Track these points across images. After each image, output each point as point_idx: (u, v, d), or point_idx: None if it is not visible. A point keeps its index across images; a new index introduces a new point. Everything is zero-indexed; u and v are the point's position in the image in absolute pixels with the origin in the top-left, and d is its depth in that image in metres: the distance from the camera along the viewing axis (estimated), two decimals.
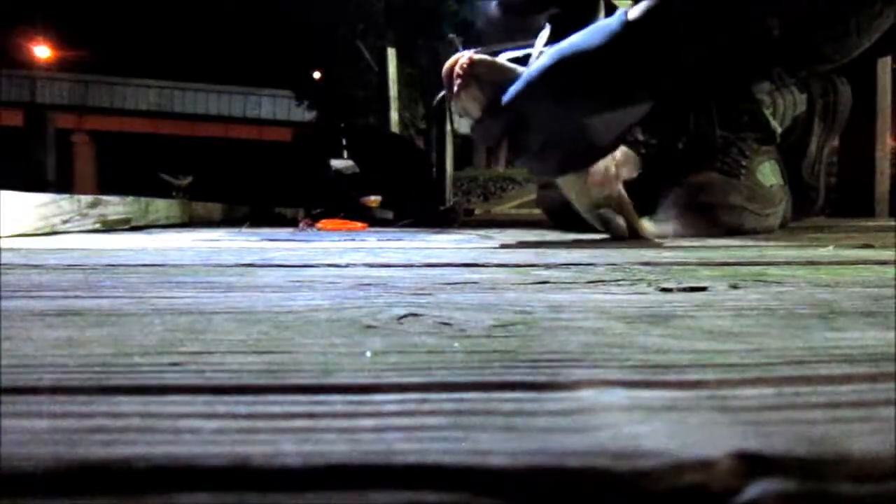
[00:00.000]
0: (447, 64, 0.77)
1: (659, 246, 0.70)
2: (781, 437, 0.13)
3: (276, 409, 0.15)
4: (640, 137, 1.06)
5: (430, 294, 0.33)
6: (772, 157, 1.06)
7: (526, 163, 0.80)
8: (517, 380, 0.18)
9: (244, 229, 1.23)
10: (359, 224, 1.50)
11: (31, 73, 15.10)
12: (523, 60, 0.80)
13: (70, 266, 0.49)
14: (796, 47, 0.99)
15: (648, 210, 1.04)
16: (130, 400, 0.16)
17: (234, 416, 0.15)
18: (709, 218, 0.95)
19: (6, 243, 0.72)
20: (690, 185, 0.98)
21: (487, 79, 0.75)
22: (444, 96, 0.82)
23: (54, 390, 0.17)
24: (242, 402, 0.16)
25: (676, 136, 1.07)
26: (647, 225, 0.85)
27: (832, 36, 0.97)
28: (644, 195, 1.06)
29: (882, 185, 1.87)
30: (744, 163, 1.02)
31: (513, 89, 0.74)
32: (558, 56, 0.74)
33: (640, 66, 0.75)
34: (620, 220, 0.81)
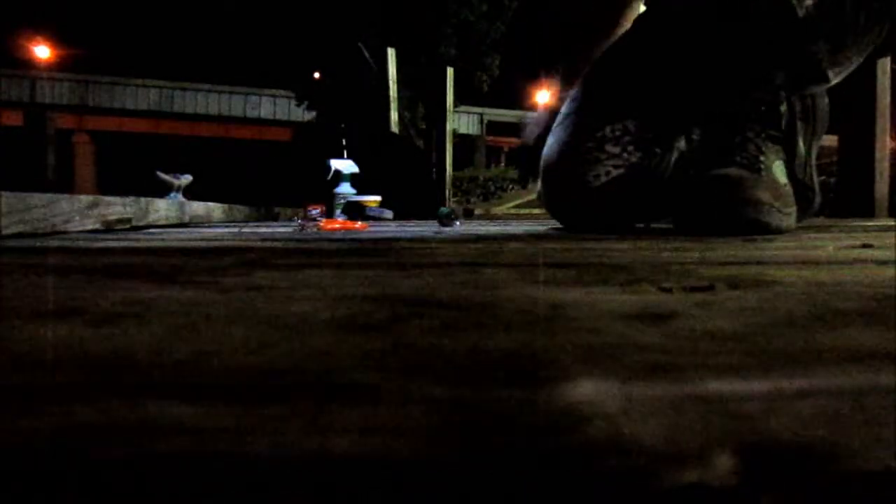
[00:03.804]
0: None
1: (659, 246, 0.70)
2: (781, 436, 0.13)
3: (276, 409, 0.15)
4: (632, 130, 1.05)
5: (430, 294, 0.33)
6: (780, 157, 1.03)
7: None
8: (517, 380, 0.18)
9: (244, 229, 1.23)
10: (359, 224, 1.50)
11: (31, 73, 15.10)
12: None
13: (70, 266, 0.49)
14: (796, 57, 0.98)
15: (646, 202, 1.04)
16: (130, 400, 0.16)
17: (234, 416, 0.15)
18: (736, 214, 0.90)
19: (6, 243, 0.72)
20: (715, 180, 0.93)
21: None
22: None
23: (54, 390, 0.17)
24: (242, 402, 0.16)
25: (673, 131, 1.06)
26: None
27: (828, 46, 0.96)
28: (641, 189, 1.06)
29: (882, 186, 1.87)
30: (761, 158, 0.98)
31: None
32: None
33: None
34: None
